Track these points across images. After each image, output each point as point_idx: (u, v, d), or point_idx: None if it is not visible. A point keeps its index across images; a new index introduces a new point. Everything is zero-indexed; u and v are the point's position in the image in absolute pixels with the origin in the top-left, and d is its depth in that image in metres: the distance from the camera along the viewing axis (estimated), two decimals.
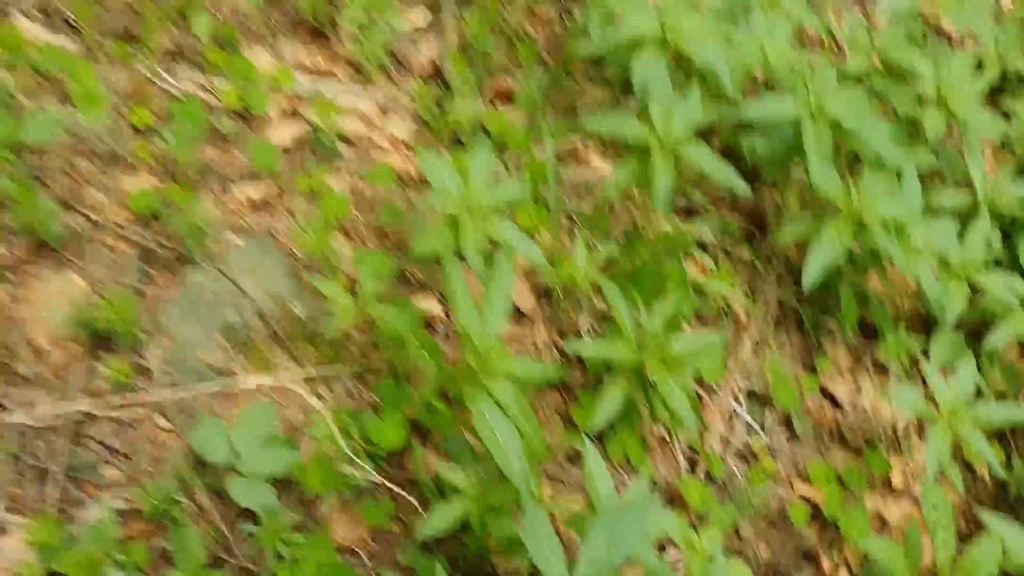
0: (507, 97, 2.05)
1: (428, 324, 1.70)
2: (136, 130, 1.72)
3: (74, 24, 1.83)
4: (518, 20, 2.17)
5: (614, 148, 2.03)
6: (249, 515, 1.40)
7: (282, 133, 1.87)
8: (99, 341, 1.48)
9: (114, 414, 1.44)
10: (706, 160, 1.68)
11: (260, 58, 1.94)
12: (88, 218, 1.58)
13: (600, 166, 2.03)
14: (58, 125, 1.54)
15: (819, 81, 1.73)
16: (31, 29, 1.76)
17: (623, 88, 2.06)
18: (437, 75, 2.06)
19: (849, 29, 2.19)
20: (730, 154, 1.87)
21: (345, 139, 1.90)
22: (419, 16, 2.14)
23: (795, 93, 1.72)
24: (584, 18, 1.96)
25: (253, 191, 1.75)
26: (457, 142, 1.94)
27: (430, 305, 1.72)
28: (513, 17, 2.16)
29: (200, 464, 1.42)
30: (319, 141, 1.86)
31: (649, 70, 1.73)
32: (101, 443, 1.42)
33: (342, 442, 1.47)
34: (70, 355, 1.47)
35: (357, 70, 2.02)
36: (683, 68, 1.86)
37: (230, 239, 1.67)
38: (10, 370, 1.43)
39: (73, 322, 1.47)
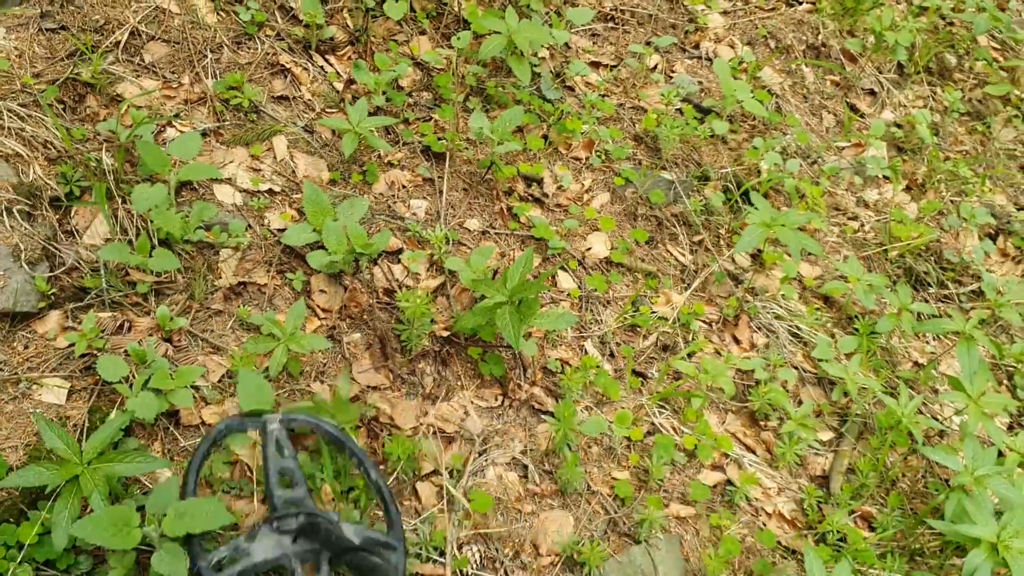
0: (868, 522, 2.80)
1: None
2: (630, 441, 2.70)
3: (614, 353, 2.91)
4: (896, 465, 2.94)
5: None
6: None
7: (708, 477, 2.76)
8: (570, 562, 2.40)
9: None
10: None
11: (712, 421, 2.89)
12: (589, 487, 2.55)
13: None
14: (601, 426, 2.55)
15: None
16: (595, 355, 2.85)
17: None
18: (825, 483, 2.87)
19: None
20: None
21: (747, 499, 2.75)
22: (827, 436, 2.99)
23: None
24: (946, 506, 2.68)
25: (682, 510, 2.63)
26: (821, 539, 2.70)
27: None
28: (894, 465, 2.94)
29: None
30: (731, 492, 2.72)
31: (977, 561, 2.40)
32: None
33: None
34: (552, 563, 2.40)
35: (773, 456, 2.88)
36: None
37: (659, 536, 2.55)
38: (518, 555, 2.38)
39: (564, 545, 2.40)
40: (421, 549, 2.31)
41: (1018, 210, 4.16)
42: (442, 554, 2.32)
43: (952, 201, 4.00)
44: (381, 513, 2.23)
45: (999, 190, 4.23)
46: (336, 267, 2.59)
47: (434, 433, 2.49)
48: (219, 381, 2.43)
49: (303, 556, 2.04)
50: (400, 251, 2.76)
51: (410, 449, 2.40)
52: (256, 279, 2.60)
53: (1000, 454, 2.89)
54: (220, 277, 2.57)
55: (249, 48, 2.99)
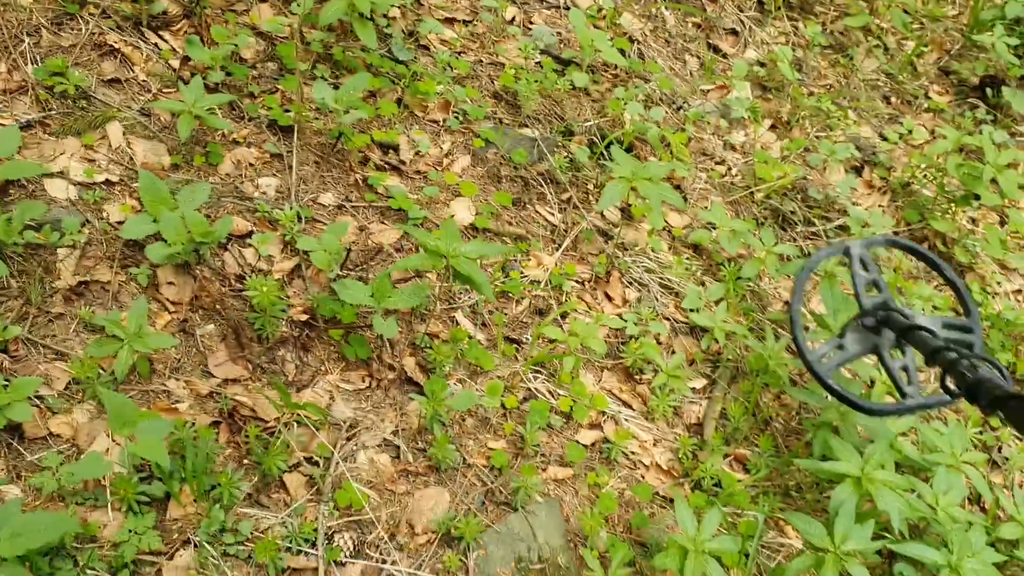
0: (743, 464, 2.85)
1: None
2: (505, 409, 2.68)
3: (487, 322, 2.87)
4: (768, 405, 3.00)
5: None
6: None
7: (586, 436, 2.77)
8: (447, 538, 2.38)
9: None
10: None
11: (588, 380, 2.89)
12: (464, 460, 2.52)
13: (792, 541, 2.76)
14: (472, 399, 2.52)
15: (963, 545, 2.41)
16: (467, 326, 2.81)
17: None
18: (699, 430, 2.91)
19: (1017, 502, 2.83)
20: None
21: (624, 454, 2.77)
22: (700, 383, 3.03)
23: (939, 550, 2.41)
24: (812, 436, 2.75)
25: (560, 472, 2.63)
26: (697, 486, 2.75)
27: None
28: (767, 406, 3.00)
29: None
30: (608, 451, 2.74)
31: (843, 496, 2.47)
32: None
33: None
34: (428, 541, 2.37)
35: (648, 409, 2.90)
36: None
37: (538, 501, 2.54)
38: (393, 536, 2.35)
39: (439, 522, 2.37)
40: (291, 543, 2.25)
41: (882, 140, 4.25)
42: (313, 545, 2.27)
43: (818, 137, 4.06)
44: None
45: (864, 122, 4.31)
46: (178, 259, 2.47)
47: (298, 422, 2.42)
48: (65, 388, 2.30)
49: (889, 343, 2.51)
50: (250, 234, 2.65)
51: (275, 441, 2.33)
52: (99, 277, 2.47)
53: (869, 386, 2.98)
54: (59, 278, 2.43)
55: (72, 29, 2.79)
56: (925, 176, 3.99)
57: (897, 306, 2.57)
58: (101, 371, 2.29)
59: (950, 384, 2.21)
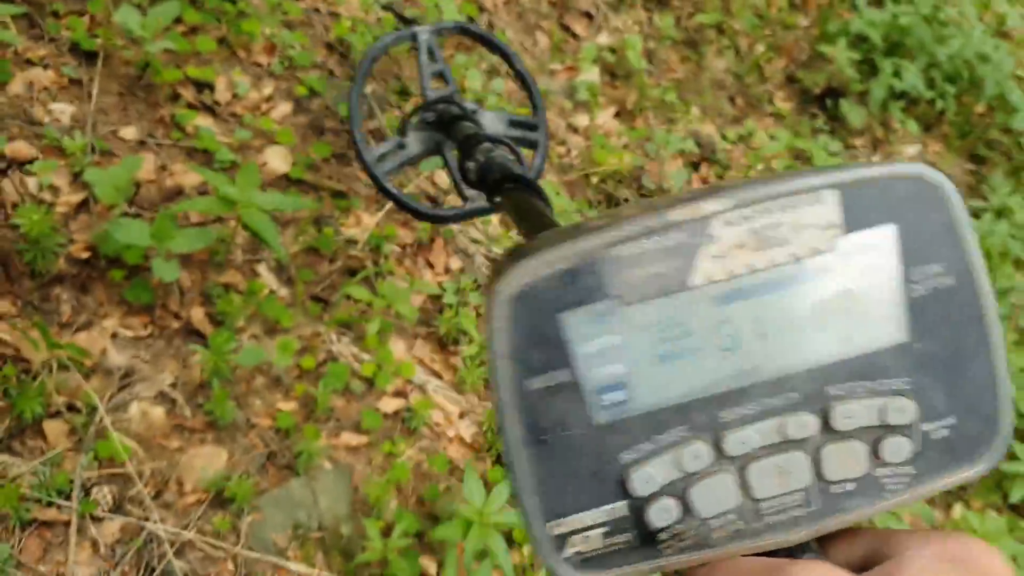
0: None
1: None
2: (300, 370, 2.55)
3: (292, 279, 2.73)
4: None
5: None
6: None
7: (388, 404, 2.67)
8: (220, 500, 2.23)
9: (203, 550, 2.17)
10: None
11: (398, 348, 2.79)
12: (248, 420, 2.38)
13: None
14: (260, 356, 2.38)
15: None
16: (268, 280, 2.66)
17: None
18: None
19: None
20: None
21: (428, 425, 2.68)
22: None
23: None
24: None
25: (354, 439, 2.53)
26: (498, 460, 2.69)
27: (429, 565, 2.42)
28: None
29: None
30: (410, 420, 2.65)
31: None
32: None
33: None
34: (198, 501, 2.23)
35: (459, 381, 2.83)
36: None
37: (324, 464, 2.43)
38: (160, 494, 2.19)
39: (210, 482, 2.23)
40: (41, 493, 2.06)
41: (723, 139, 4.31)
42: (68, 498, 2.09)
43: (662, 129, 4.07)
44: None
45: (708, 120, 4.36)
46: None
47: (65, 367, 2.23)
48: None
49: (451, 142, 2.18)
50: (33, 160, 2.43)
51: (38, 386, 2.13)
52: None
53: None
54: None
55: None
56: (757, 175, 4.06)
57: (460, 99, 2.35)
58: None
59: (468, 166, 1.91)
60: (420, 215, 2.22)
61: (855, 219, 0.62)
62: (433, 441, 2.68)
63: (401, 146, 2.27)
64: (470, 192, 2.14)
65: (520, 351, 0.61)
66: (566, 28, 4.09)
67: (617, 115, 3.99)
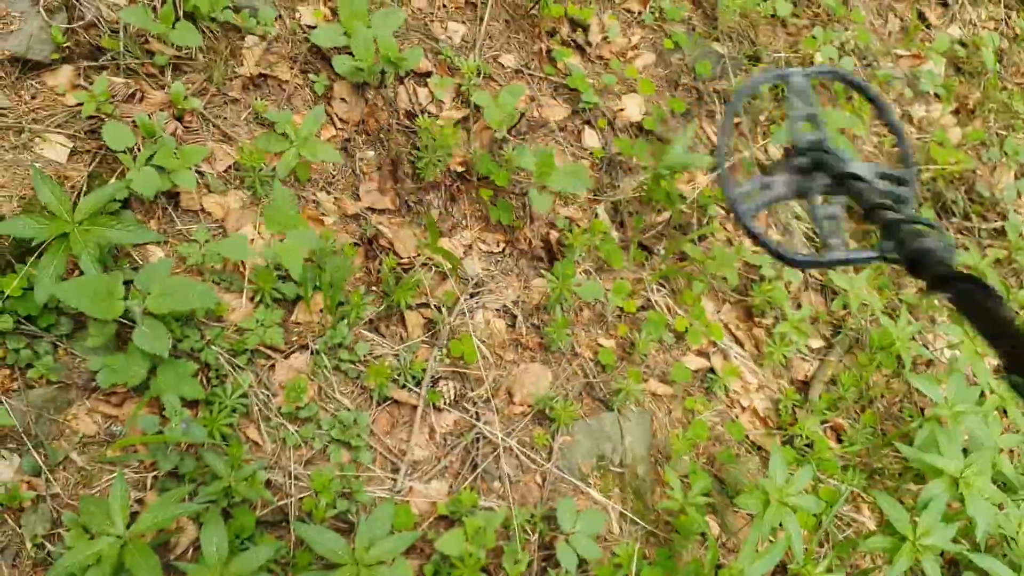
0: (838, 434, 2.82)
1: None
2: (622, 312, 2.68)
3: (625, 222, 2.84)
4: (877, 384, 2.95)
5: None
6: None
7: (693, 361, 2.76)
8: (540, 415, 2.42)
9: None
10: None
11: (709, 307, 2.87)
12: (573, 348, 2.54)
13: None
14: (597, 292, 2.52)
15: None
16: (605, 220, 2.79)
17: None
18: (804, 388, 2.88)
19: None
20: None
21: (726, 390, 2.76)
22: (817, 343, 2.98)
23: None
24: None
25: (660, 388, 2.64)
26: (789, 442, 2.73)
27: (712, 525, 2.52)
28: (876, 385, 2.94)
29: None
30: (711, 380, 2.73)
31: (936, 491, 2.44)
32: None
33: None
34: (523, 413, 2.42)
35: (760, 352, 2.88)
36: None
37: (632, 408, 2.56)
38: (492, 399, 2.40)
39: (539, 398, 2.41)
40: (399, 375, 2.31)
41: None
42: (419, 384, 2.33)
43: (998, 134, 3.85)
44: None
45: None
46: (361, 76, 2.48)
47: (427, 266, 2.46)
48: (225, 171, 2.36)
49: (819, 189, 2.19)
50: (428, 74, 2.64)
51: (408, 278, 2.37)
52: (278, 74, 2.50)
53: (982, 395, 2.89)
54: (242, 64, 2.46)
55: None
56: None
57: (833, 148, 2.31)
58: (263, 165, 2.34)
59: (886, 247, 1.90)
60: (781, 258, 2.22)
61: None
62: (727, 407, 2.75)
63: (766, 186, 2.23)
64: (833, 240, 2.12)
65: None
66: (920, 14, 3.91)
67: (955, 112, 3.81)
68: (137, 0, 2.31)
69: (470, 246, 2.55)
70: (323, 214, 2.41)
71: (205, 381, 2.12)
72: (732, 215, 2.25)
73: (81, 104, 2.19)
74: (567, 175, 2.41)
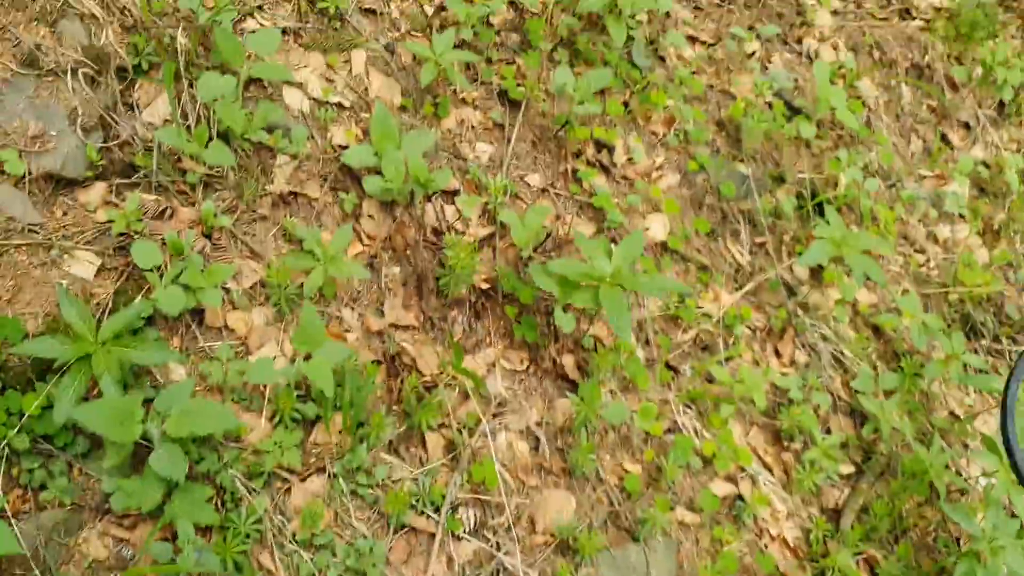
0: (871, 566, 2.71)
1: None
2: (647, 435, 2.61)
3: (650, 341, 2.81)
4: (909, 513, 2.84)
5: None
6: None
7: (721, 487, 2.67)
8: (563, 545, 2.33)
9: None
10: None
11: (736, 431, 2.80)
12: (597, 473, 2.47)
13: None
14: (624, 415, 2.47)
15: None
16: (631, 340, 2.75)
17: None
18: (836, 517, 2.78)
19: None
20: None
21: (755, 518, 2.66)
22: (847, 469, 2.89)
23: None
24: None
25: (687, 516, 2.56)
26: (820, 574, 2.62)
27: None
28: (908, 513, 2.84)
29: None
30: (739, 508, 2.64)
31: None
32: None
33: None
34: (546, 542, 2.34)
35: (789, 478, 2.79)
36: None
37: (659, 539, 2.47)
38: (513, 527, 2.32)
39: (562, 527, 2.33)
40: (418, 500, 2.25)
41: None
42: (437, 510, 2.26)
43: None
44: None
45: None
46: (390, 195, 2.50)
47: (450, 385, 2.42)
48: (250, 287, 2.36)
49: None
50: (456, 192, 2.66)
51: (431, 398, 2.33)
52: (308, 192, 2.52)
53: (1021, 527, 2.78)
54: (272, 182, 2.49)
55: None
56: None
57: None
58: (289, 282, 2.33)
59: None
60: None
61: None
62: (756, 536, 2.66)
63: None
64: None
65: None
66: (942, 136, 3.94)
67: (981, 233, 3.80)
68: (172, 120, 2.35)
69: (493, 364, 2.52)
70: (347, 330, 2.39)
71: (220, 504, 2.06)
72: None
73: (111, 222, 2.21)
74: (591, 295, 2.39)
